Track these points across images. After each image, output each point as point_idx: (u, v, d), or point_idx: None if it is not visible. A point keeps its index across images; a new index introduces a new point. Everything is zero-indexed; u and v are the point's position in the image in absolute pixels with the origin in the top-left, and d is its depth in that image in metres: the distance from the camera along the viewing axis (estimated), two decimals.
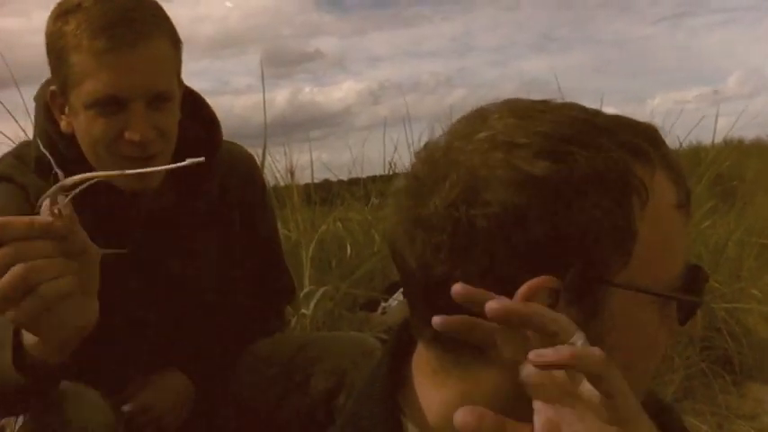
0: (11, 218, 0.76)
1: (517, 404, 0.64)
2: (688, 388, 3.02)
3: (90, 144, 1.36)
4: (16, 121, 2.66)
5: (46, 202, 0.77)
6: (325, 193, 4.08)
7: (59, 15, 1.34)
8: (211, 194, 1.57)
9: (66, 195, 0.78)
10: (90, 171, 1.13)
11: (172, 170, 1.35)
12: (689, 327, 0.73)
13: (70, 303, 0.80)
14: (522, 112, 0.68)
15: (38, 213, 0.78)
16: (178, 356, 1.59)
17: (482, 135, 0.66)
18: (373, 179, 4.49)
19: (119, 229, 1.44)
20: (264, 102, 3.33)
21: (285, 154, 3.79)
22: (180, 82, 1.44)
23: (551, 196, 0.62)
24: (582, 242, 0.63)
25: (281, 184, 3.79)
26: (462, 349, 0.67)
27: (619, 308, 0.66)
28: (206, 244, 1.59)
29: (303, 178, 3.85)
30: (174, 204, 1.51)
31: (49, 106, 1.42)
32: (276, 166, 3.73)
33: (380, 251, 3.24)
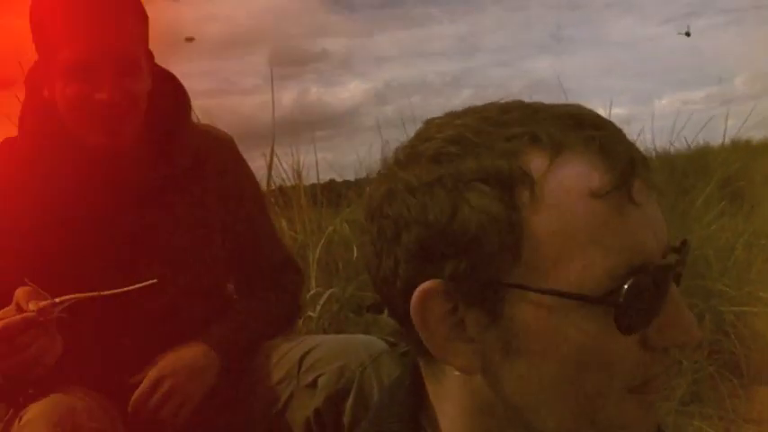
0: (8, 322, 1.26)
1: (483, 417, 0.67)
2: (695, 392, 3.00)
3: (65, 107, 1.50)
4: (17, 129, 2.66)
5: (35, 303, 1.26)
6: (330, 194, 4.07)
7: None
8: (184, 163, 1.63)
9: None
10: (63, 135, 1.52)
11: (144, 138, 1.57)
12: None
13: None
14: (446, 120, 0.67)
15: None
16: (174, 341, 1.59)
17: (401, 148, 0.68)
18: None
19: (98, 194, 1.55)
20: (273, 102, 3.33)
21: (292, 155, 3.79)
22: (148, 55, 1.58)
23: (429, 199, 0.62)
24: (464, 240, 0.61)
25: (288, 184, 3.79)
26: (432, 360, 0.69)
27: (529, 311, 0.62)
28: (184, 213, 1.63)
29: (309, 178, 3.85)
30: (148, 169, 1.60)
31: (33, 77, 1.57)
32: (283, 166, 3.73)
33: None
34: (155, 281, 1.36)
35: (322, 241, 3.10)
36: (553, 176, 0.61)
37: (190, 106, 1.70)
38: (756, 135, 8.12)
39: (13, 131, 1.64)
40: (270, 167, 3.53)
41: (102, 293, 1.30)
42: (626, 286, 0.60)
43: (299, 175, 3.70)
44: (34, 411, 1.39)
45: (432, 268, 0.63)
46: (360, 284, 2.95)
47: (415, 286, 0.63)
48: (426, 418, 0.72)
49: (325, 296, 2.70)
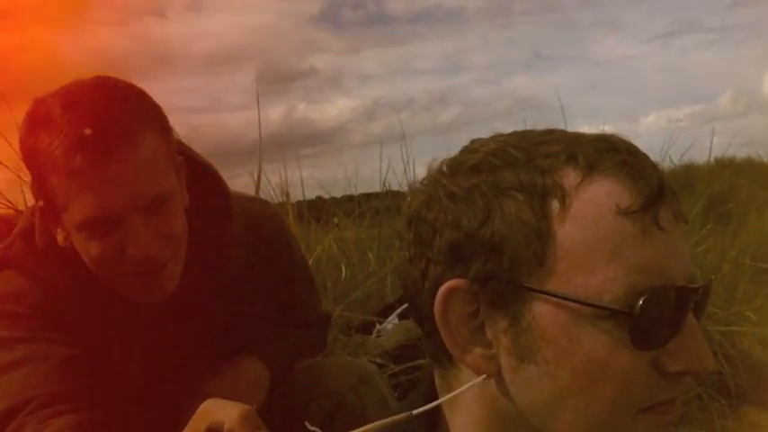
0: None
1: (496, 425, 0.69)
2: (684, 413, 3.00)
3: (92, 264, 1.27)
4: (9, 144, 2.63)
5: None
6: (317, 211, 4.06)
7: (30, 129, 1.22)
8: (229, 268, 1.47)
9: None
10: (91, 280, 1.27)
11: (186, 262, 1.32)
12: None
13: None
14: (491, 138, 0.72)
15: None
16: None
17: (448, 160, 0.72)
18: (367, 197, 4.48)
19: (129, 335, 1.40)
20: (260, 119, 3.31)
21: (280, 172, 3.77)
22: (179, 168, 1.32)
23: (466, 204, 0.66)
24: (492, 243, 0.64)
25: (276, 201, 3.77)
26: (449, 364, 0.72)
27: (547, 317, 0.64)
28: (223, 327, 1.52)
29: (295, 195, 3.84)
30: (183, 308, 1.40)
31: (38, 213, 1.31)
32: (270, 183, 3.71)
33: (375, 273, 3.23)
34: None
35: (311, 261, 3.08)
36: (584, 191, 0.65)
37: (232, 203, 1.45)
38: (740, 153, 8.19)
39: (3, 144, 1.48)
40: (258, 185, 3.51)
41: None
42: (641, 300, 0.62)
43: (287, 193, 3.69)
44: None
45: (459, 269, 0.66)
46: (348, 305, 2.93)
47: (439, 285, 0.67)
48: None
49: None
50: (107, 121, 1.18)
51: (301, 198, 3.89)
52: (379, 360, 2.38)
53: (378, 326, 2.86)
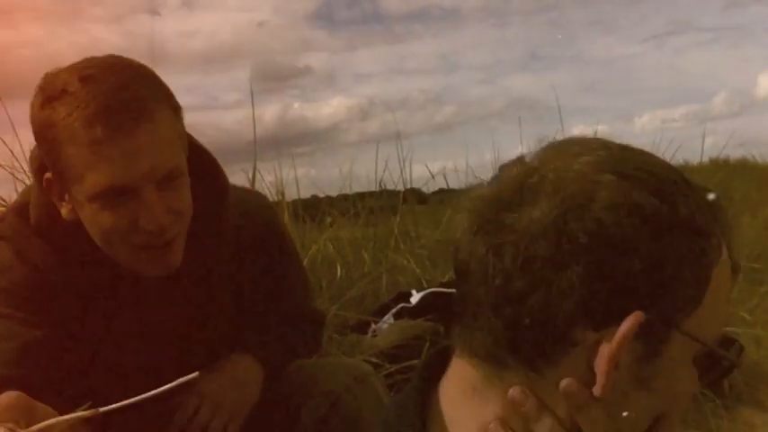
0: None
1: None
2: None
3: (101, 236, 1.27)
4: (2, 142, 2.62)
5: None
6: (312, 210, 4.06)
7: (45, 102, 1.23)
8: (221, 258, 1.48)
9: None
10: (96, 258, 1.27)
11: (185, 248, 1.33)
12: None
13: None
14: (617, 147, 0.70)
15: None
16: None
17: (587, 158, 0.67)
18: (362, 196, 4.48)
19: (128, 309, 1.40)
20: (255, 117, 3.31)
21: (275, 170, 3.77)
22: (184, 146, 1.34)
23: (654, 231, 0.63)
24: (668, 282, 0.65)
25: (271, 200, 3.76)
26: (514, 364, 0.68)
27: (677, 353, 0.68)
28: (218, 309, 1.52)
29: (290, 194, 3.84)
30: (182, 284, 1.41)
31: (45, 185, 1.31)
32: (265, 182, 3.71)
33: (371, 272, 3.22)
34: (197, 374, 1.18)
35: (306, 261, 3.08)
36: (723, 249, 0.70)
37: (228, 188, 1.47)
38: (734, 154, 8.23)
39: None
40: (252, 184, 3.51)
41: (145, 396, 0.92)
42: (732, 349, 0.72)
43: (281, 192, 3.68)
44: None
45: (631, 298, 0.64)
46: (344, 304, 2.93)
47: (595, 304, 0.64)
48: (436, 428, 0.74)
49: None
50: (127, 94, 1.21)
51: (296, 197, 3.89)
52: (374, 360, 2.38)
53: (373, 325, 2.86)
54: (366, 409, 1.58)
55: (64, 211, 1.29)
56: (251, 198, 1.61)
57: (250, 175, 3.47)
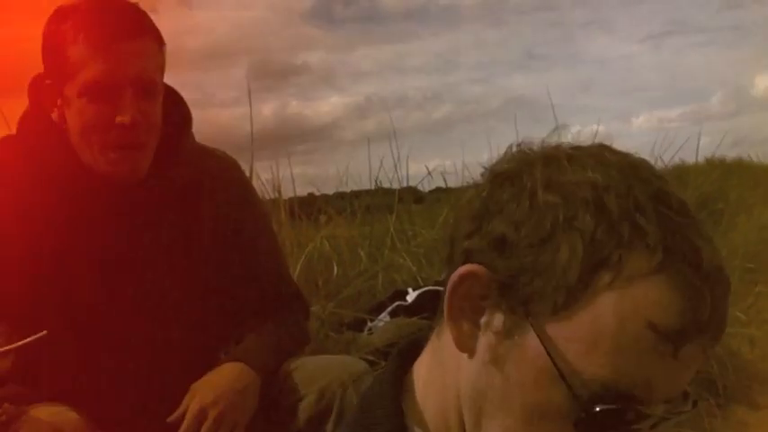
0: None
1: (487, 403, 0.70)
2: None
3: (81, 131, 1.45)
4: None
5: None
6: (309, 208, 4.05)
7: (57, 17, 1.46)
8: (181, 182, 1.57)
9: None
10: (70, 162, 1.47)
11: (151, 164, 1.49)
12: None
13: None
14: (612, 159, 0.68)
15: None
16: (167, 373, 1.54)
17: (553, 153, 0.70)
18: (358, 194, 4.48)
19: (96, 221, 1.51)
20: (251, 115, 3.31)
21: (271, 168, 3.76)
22: (162, 81, 1.54)
23: (536, 215, 0.66)
24: (531, 267, 0.65)
25: (267, 198, 3.76)
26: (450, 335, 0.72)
27: (532, 352, 0.66)
28: (176, 248, 1.57)
29: (286, 192, 3.83)
30: (146, 190, 1.53)
31: (40, 96, 1.51)
32: (262, 180, 3.70)
33: (367, 270, 3.23)
34: (44, 333, 1.36)
35: (302, 259, 3.08)
36: (637, 286, 0.64)
37: (191, 124, 1.64)
38: (731, 153, 8.23)
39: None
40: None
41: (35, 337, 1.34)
42: (600, 408, 0.64)
43: (278, 190, 3.68)
44: None
45: (494, 260, 0.67)
46: (340, 302, 2.94)
47: (474, 258, 0.68)
48: (410, 411, 0.75)
49: None
50: (127, 13, 1.46)
51: (293, 195, 3.89)
52: (370, 357, 2.38)
53: (369, 323, 2.86)
54: None
55: (54, 114, 1.48)
56: (219, 154, 1.71)
57: (247, 173, 3.46)
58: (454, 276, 0.69)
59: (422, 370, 0.77)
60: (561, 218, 0.65)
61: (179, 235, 1.57)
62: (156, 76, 1.49)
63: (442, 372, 0.74)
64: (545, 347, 0.65)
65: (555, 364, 0.65)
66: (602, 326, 0.64)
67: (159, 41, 1.51)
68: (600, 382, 0.64)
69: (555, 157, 0.69)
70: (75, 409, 1.41)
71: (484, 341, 0.69)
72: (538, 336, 0.65)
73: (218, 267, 1.62)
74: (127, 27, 1.44)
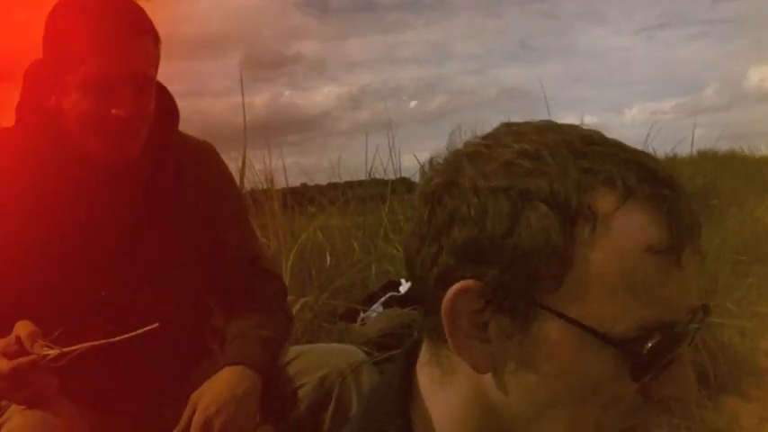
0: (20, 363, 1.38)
1: (532, 408, 0.68)
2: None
3: (78, 119, 1.50)
4: None
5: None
6: (302, 198, 4.05)
7: (62, 8, 1.51)
8: (168, 171, 1.63)
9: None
10: (66, 145, 1.53)
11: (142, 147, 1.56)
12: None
13: None
14: (525, 129, 0.69)
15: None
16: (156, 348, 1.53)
17: (476, 147, 0.69)
18: (351, 184, 4.47)
19: (92, 205, 1.55)
20: (244, 105, 3.30)
21: (264, 158, 3.75)
22: (155, 76, 1.59)
23: (492, 204, 0.64)
24: (514, 254, 0.64)
25: (260, 188, 3.75)
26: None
27: (556, 335, 0.64)
28: (167, 227, 1.62)
29: (279, 182, 3.83)
30: (139, 179, 1.60)
31: (38, 81, 1.55)
32: (255, 169, 3.69)
33: (360, 261, 3.23)
34: (156, 325, 1.40)
35: (295, 249, 3.08)
36: (616, 221, 0.64)
37: (178, 119, 1.71)
38: (723, 146, 8.26)
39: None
40: (242, 172, 3.50)
41: (109, 340, 1.39)
42: (651, 343, 0.63)
43: (271, 180, 3.67)
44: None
45: (474, 270, 0.65)
46: (333, 293, 2.94)
47: (453, 277, 0.66)
48: (417, 415, 0.74)
49: (299, 305, 2.68)
50: (131, 13, 1.52)
51: (285, 185, 3.88)
52: (363, 348, 2.38)
53: (362, 314, 2.86)
54: (360, 394, 1.60)
55: (52, 99, 1.52)
56: (201, 143, 1.79)
57: (239, 163, 3.46)
58: (445, 304, 0.66)
59: (425, 381, 0.75)
60: (516, 195, 0.64)
61: (166, 212, 1.63)
62: (151, 73, 1.56)
63: (455, 395, 0.72)
64: (570, 322, 0.63)
65: (590, 333, 0.63)
66: (606, 274, 0.63)
67: (156, 40, 1.56)
68: (634, 326, 0.63)
69: (474, 150, 0.68)
70: (66, 384, 1.47)
71: (501, 352, 0.67)
72: (557, 315, 0.64)
73: (199, 244, 1.67)
74: (129, 27, 1.50)
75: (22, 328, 1.39)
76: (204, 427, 1.47)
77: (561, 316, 0.64)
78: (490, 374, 0.68)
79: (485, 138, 0.70)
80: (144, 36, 1.52)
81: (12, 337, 1.40)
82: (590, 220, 0.63)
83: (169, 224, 1.63)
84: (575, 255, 0.63)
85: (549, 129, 0.69)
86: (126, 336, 1.37)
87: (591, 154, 0.65)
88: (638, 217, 0.64)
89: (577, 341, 0.64)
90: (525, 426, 0.68)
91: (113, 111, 1.48)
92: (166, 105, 1.67)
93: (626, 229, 0.64)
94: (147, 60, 1.53)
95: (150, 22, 1.56)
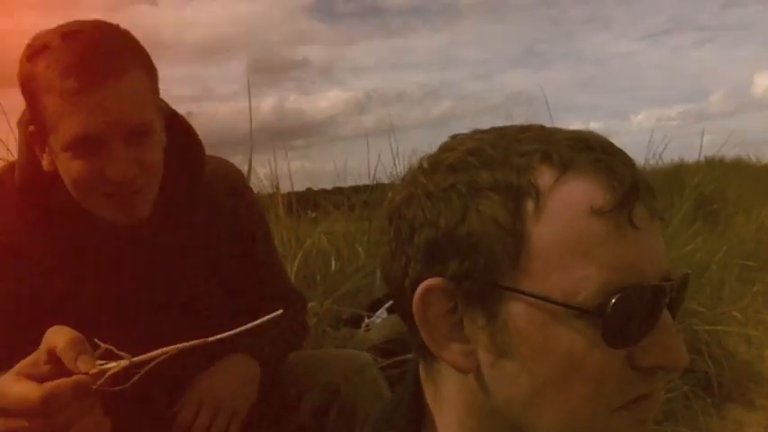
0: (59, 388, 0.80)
1: (478, 418, 0.70)
2: (669, 410, 3.02)
3: (72, 185, 1.34)
4: None
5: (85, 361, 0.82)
6: (307, 203, 4.05)
7: (29, 57, 1.30)
8: (195, 223, 1.51)
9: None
10: (72, 208, 1.36)
11: (157, 203, 1.40)
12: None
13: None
14: (470, 135, 0.73)
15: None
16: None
17: (428, 160, 0.72)
18: (356, 189, 4.48)
19: (104, 261, 1.43)
20: (251, 109, 3.29)
21: (270, 163, 3.75)
22: (159, 109, 1.39)
23: (443, 204, 0.67)
24: (468, 243, 0.65)
25: (265, 192, 3.75)
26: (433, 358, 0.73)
27: (523, 315, 0.65)
28: (193, 268, 1.53)
29: (284, 187, 3.83)
30: (154, 234, 1.45)
31: (29, 142, 1.38)
32: (260, 174, 3.69)
33: (365, 266, 3.22)
34: (280, 312, 1.24)
35: (300, 254, 3.08)
36: (558, 191, 0.65)
37: (204, 160, 1.53)
38: (730, 153, 8.24)
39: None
40: (248, 175, 3.50)
41: (178, 347, 0.92)
42: (614, 300, 0.63)
43: (277, 185, 3.67)
44: None
45: (438, 268, 0.67)
46: (337, 298, 2.93)
47: (419, 283, 0.67)
48: (426, 429, 0.75)
49: None
50: (101, 51, 1.28)
51: (291, 189, 3.88)
52: (367, 354, 2.38)
53: (366, 320, 2.86)
54: (364, 399, 1.60)
55: (45, 162, 1.36)
56: (222, 163, 1.65)
57: (245, 167, 3.46)
58: (415, 307, 0.68)
59: (429, 398, 0.76)
60: (464, 189, 0.66)
61: (184, 269, 1.52)
62: (145, 114, 1.33)
63: (451, 408, 0.73)
64: (532, 296, 0.64)
65: (554, 304, 0.64)
66: (557, 243, 0.64)
67: (147, 70, 1.35)
68: (596, 291, 0.63)
69: (426, 162, 0.72)
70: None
71: (480, 346, 0.68)
72: (519, 293, 0.65)
73: (230, 292, 1.58)
74: (104, 69, 1.27)
75: (58, 336, 0.82)
76: (198, 402, 1.46)
77: (522, 293, 0.64)
78: (472, 377, 0.69)
79: (435, 151, 0.73)
80: (125, 74, 1.28)
81: (41, 351, 0.84)
82: (533, 196, 0.65)
83: (188, 276, 1.52)
84: (524, 231, 0.65)
85: (491, 129, 0.72)
86: (198, 341, 1.04)
87: (526, 139, 0.68)
88: (577, 183, 0.66)
89: (545, 317, 0.65)
90: (523, 418, 0.68)
91: (107, 173, 1.30)
92: (187, 146, 1.49)
93: (567, 197, 0.65)
94: (134, 102, 1.30)
95: (135, 50, 1.34)
